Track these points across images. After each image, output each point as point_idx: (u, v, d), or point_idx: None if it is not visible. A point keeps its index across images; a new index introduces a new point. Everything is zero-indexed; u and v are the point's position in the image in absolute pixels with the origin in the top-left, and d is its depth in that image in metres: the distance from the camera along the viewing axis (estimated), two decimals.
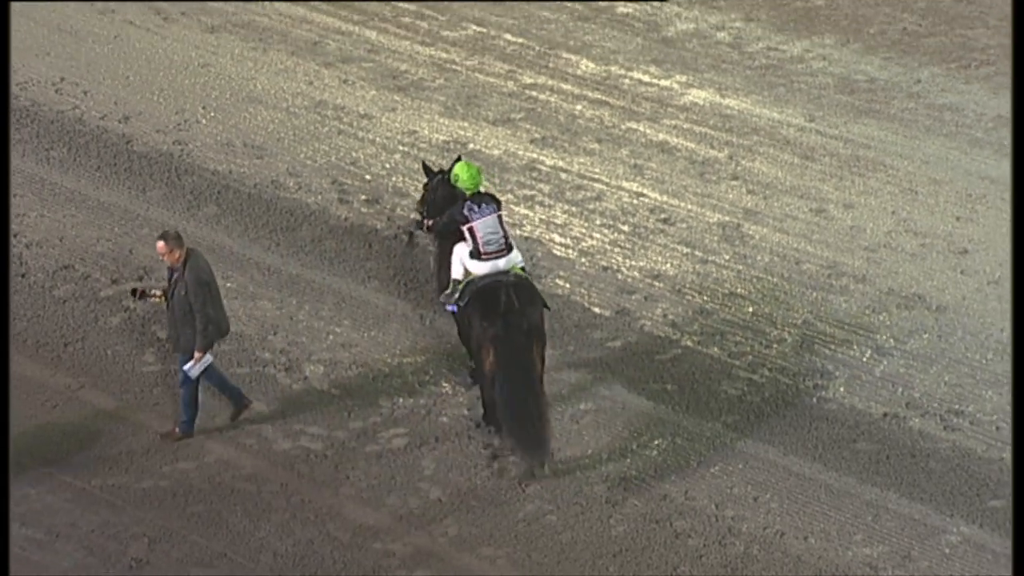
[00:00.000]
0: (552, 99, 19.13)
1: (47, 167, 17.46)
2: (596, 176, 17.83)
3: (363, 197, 17.36)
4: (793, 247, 16.60)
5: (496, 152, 18.11)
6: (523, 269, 14.43)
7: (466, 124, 18.59)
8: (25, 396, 14.45)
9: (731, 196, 17.38)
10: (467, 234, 14.23)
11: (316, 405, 14.63)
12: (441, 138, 18.33)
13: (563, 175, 17.82)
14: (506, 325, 13.76)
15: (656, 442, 14.20)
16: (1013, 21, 19.61)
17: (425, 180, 15.32)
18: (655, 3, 21.01)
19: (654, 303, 15.88)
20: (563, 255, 16.61)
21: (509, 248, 14.26)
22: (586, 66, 19.79)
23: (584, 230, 17.00)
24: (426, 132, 18.46)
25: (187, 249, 13.88)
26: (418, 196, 15.72)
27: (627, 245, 16.78)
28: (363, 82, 19.26)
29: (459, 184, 14.56)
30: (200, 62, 19.31)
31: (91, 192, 17.27)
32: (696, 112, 18.85)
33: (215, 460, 13.94)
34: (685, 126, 18.58)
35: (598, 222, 17.11)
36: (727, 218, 17.00)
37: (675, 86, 19.35)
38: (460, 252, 14.39)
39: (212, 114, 18.52)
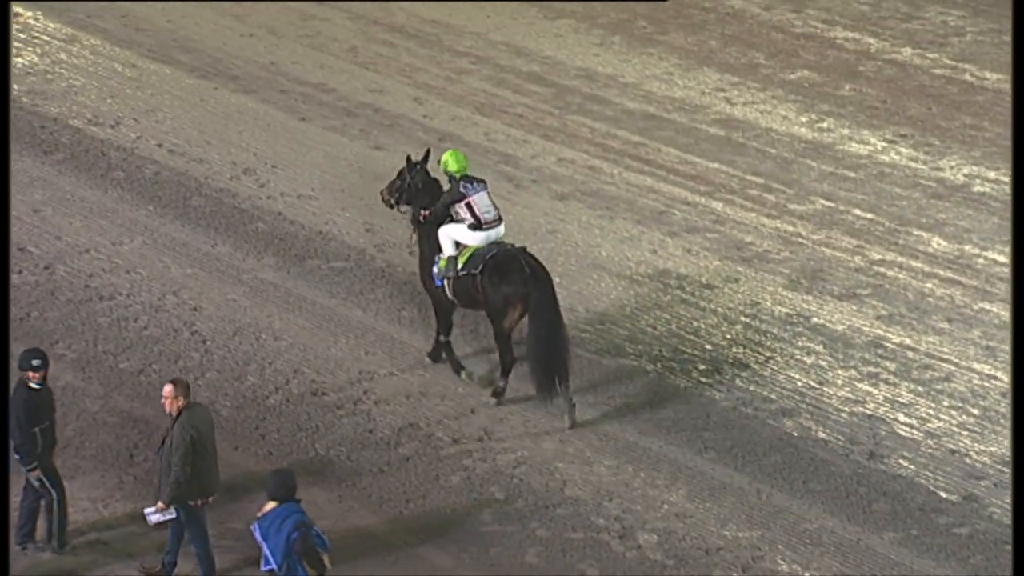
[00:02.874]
0: (901, 276, 18.80)
1: (398, 326, 17.88)
2: (945, 356, 17.39)
3: (702, 367, 17.27)
4: None
5: (840, 327, 17.85)
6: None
7: (810, 298, 18.39)
8: (365, 550, 14.68)
9: None
10: (465, 209, 16.26)
11: (649, 574, 14.48)
12: (784, 311, 18.17)
13: (910, 353, 17.44)
14: (534, 282, 15.98)
15: None
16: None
17: (401, 168, 16.89)
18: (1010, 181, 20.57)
19: (1004, 491, 15.31)
20: (908, 435, 16.20)
21: (501, 220, 16.39)
22: (938, 244, 19.42)
23: (931, 411, 16.56)
24: (768, 304, 18.32)
25: (188, 403, 13.93)
26: None
27: (976, 428, 16.28)
28: (707, 252, 19.27)
29: (448, 170, 16.43)
30: (548, 228, 19.61)
31: None
32: None
33: None
34: None
35: (946, 403, 16.66)
36: None
37: None
38: (450, 231, 16.35)
39: (557, 279, 18.69)
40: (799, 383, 17.09)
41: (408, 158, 17.08)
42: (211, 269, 18.55)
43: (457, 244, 16.36)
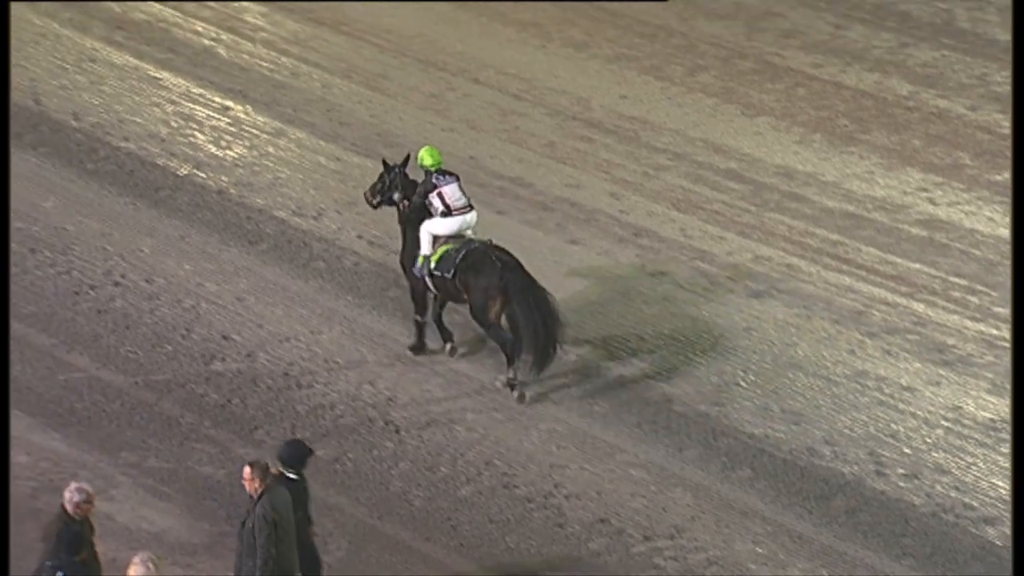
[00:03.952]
0: None
1: (590, 420, 17.85)
2: None
3: (901, 471, 16.96)
4: None
5: None
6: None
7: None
8: None
9: None
10: (436, 198, 17.93)
11: None
12: (987, 416, 17.78)
13: None
14: (506, 271, 17.46)
15: None
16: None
17: (381, 171, 18.53)
18: None
19: None
20: None
21: (471, 207, 18.05)
22: None
23: None
24: (971, 409, 17.94)
25: (268, 484, 13.86)
26: None
27: None
28: (907, 354, 18.95)
29: (424, 164, 18.12)
30: (743, 326, 19.46)
31: (629, 447, 17.52)
32: None
33: None
34: None
35: None
36: None
37: None
38: (428, 226, 17.96)
39: (752, 378, 18.58)
40: (1002, 491, 16.68)
41: (384, 161, 18.67)
42: (407, 360, 18.70)
43: (435, 239, 17.96)
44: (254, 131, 23.09)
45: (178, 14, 25.59)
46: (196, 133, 22.82)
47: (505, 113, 24.01)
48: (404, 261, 18.42)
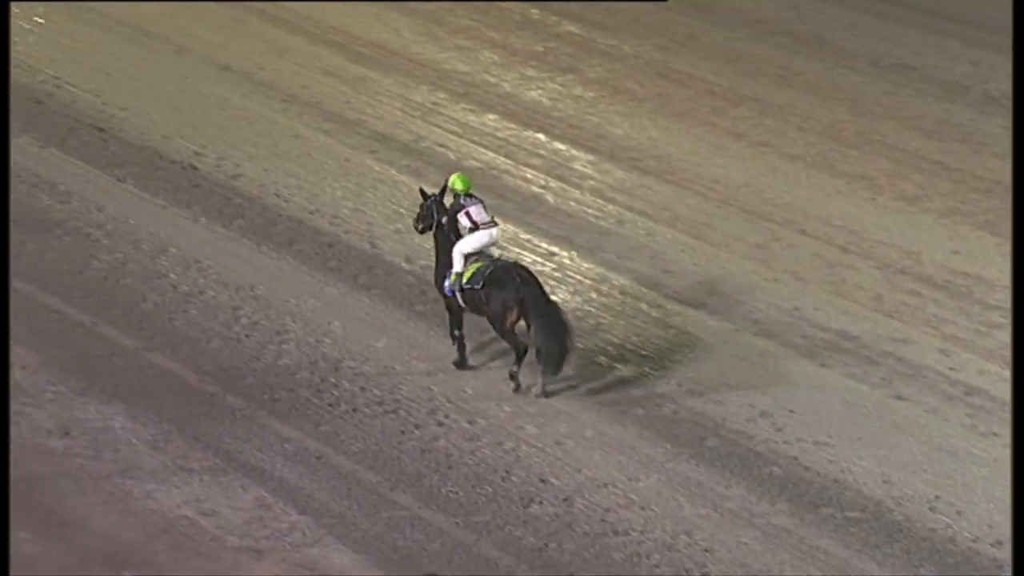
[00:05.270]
0: None
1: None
2: None
3: None
4: None
5: None
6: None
7: None
8: None
9: None
10: (464, 216, 20.38)
11: None
12: None
13: None
14: (525, 287, 19.96)
15: None
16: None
17: (421, 201, 20.91)
18: None
19: None
20: None
21: (495, 223, 20.51)
22: None
23: None
24: None
25: None
26: None
27: None
28: None
29: (455, 188, 20.58)
30: None
31: None
32: None
33: None
34: None
35: None
36: None
37: None
38: (460, 246, 20.37)
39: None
40: None
41: (422, 190, 20.97)
42: (724, 511, 18.50)
43: (466, 258, 20.28)
44: (578, 276, 23.33)
45: (509, 162, 26.16)
46: None
47: (831, 265, 23.76)
48: (437, 280, 20.80)
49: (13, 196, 23.58)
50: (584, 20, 30.91)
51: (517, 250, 23.75)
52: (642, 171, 26.10)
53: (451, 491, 18.82)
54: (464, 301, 20.38)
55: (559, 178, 25.84)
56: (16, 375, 20.12)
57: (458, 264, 20.35)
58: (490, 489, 18.87)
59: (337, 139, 26.33)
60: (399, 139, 26.56)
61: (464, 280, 20.25)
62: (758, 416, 20.23)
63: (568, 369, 20.28)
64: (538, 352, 20.13)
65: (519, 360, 20.29)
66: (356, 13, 30.59)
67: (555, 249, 23.94)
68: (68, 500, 18.20)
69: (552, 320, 20.03)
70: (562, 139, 26.91)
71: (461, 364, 20.76)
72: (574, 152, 26.55)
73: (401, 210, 24.47)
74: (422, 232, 21.10)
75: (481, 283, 20.08)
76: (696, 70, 29.69)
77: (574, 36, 30.33)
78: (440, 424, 19.99)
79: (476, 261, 20.25)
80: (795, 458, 19.51)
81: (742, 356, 21.55)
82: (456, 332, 20.70)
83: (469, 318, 20.60)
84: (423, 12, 30.88)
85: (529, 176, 25.88)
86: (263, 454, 19.17)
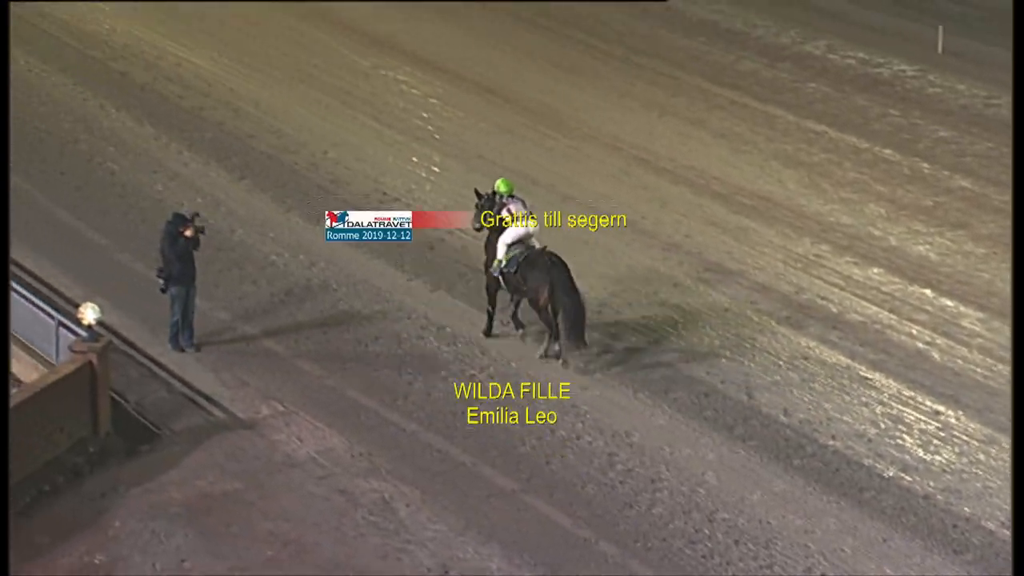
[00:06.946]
0: None
1: None
2: None
3: None
4: None
5: None
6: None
7: None
8: None
9: None
10: (506, 212, 24.07)
11: None
12: None
13: None
14: (553, 270, 23.47)
15: None
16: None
17: (476, 201, 24.57)
18: None
19: None
20: None
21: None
22: None
23: None
24: None
25: None
26: None
27: None
28: None
29: (500, 191, 24.32)
30: None
31: None
32: None
33: None
34: None
35: None
36: None
37: None
38: (503, 237, 23.97)
39: None
40: None
41: (476, 191, 24.66)
42: None
43: (508, 247, 23.93)
44: (964, 437, 22.53)
45: (894, 317, 25.55)
46: (904, 436, 22.51)
47: None
48: (487, 265, 24.38)
49: (406, 334, 24.21)
50: (977, 175, 30.15)
51: (900, 407, 23.11)
52: None
53: None
54: (506, 283, 24.12)
55: (946, 335, 25.09)
56: (401, 512, 20.50)
57: (501, 252, 24.09)
58: None
59: (717, 289, 26.19)
60: (779, 290, 26.27)
61: (504, 263, 23.97)
62: None
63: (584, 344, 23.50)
64: (559, 327, 23.44)
65: (555, 338, 23.67)
66: (741, 165, 30.54)
67: (940, 408, 23.20)
68: None
69: (574, 301, 23.42)
70: (950, 295, 26.18)
71: (488, 333, 24.44)
72: (962, 309, 25.77)
73: (779, 362, 24.13)
74: (479, 230, 24.64)
75: (515, 267, 23.80)
76: None
77: (966, 191, 29.57)
78: None
79: (515, 249, 23.90)
80: None
81: None
82: (490, 309, 24.49)
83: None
84: (809, 165, 30.62)
85: (914, 332, 25.21)
86: None
